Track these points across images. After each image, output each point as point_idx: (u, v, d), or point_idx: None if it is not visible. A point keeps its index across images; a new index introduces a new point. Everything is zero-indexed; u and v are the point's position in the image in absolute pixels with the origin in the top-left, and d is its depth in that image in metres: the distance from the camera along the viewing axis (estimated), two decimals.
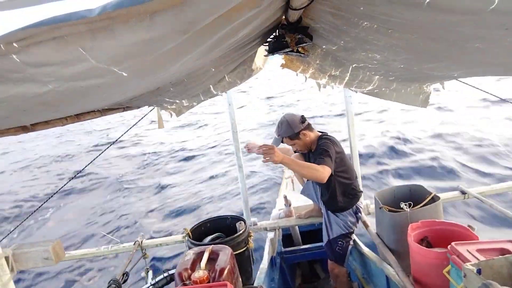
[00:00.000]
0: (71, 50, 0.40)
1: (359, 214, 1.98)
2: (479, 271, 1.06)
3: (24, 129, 0.75)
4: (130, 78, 0.61)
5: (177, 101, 1.49)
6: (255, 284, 1.77)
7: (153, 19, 0.42)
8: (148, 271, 1.99)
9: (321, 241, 2.49)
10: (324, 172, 1.61)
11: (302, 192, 2.26)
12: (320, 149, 1.77)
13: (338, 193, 1.90)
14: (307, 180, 2.17)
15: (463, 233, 1.52)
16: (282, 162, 1.57)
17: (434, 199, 1.79)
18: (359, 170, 2.43)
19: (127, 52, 0.49)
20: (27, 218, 2.03)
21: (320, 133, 1.93)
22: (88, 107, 0.89)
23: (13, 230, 1.95)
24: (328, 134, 1.94)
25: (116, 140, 2.11)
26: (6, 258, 1.17)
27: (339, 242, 1.94)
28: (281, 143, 1.92)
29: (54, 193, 1.94)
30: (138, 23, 0.41)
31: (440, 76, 1.39)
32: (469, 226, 1.56)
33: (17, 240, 4.84)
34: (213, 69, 1.18)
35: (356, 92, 2.00)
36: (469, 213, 3.70)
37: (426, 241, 1.58)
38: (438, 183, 4.35)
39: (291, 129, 1.85)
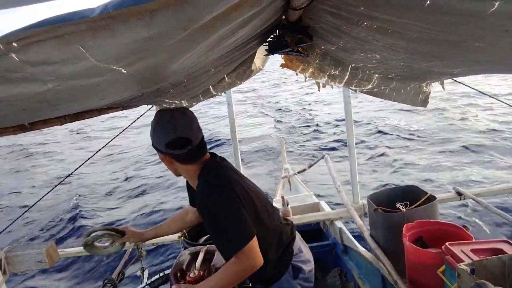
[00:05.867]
0: (71, 49, 0.39)
1: (301, 274, 1.21)
2: (472, 271, 1.07)
3: (23, 128, 0.74)
4: (129, 76, 0.61)
5: (177, 101, 1.49)
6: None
7: (153, 17, 0.42)
8: (144, 270, 1.99)
9: (318, 241, 2.50)
10: (247, 263, 0.99)
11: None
12: (209, 209, 1.02)
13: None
14: None
15: (457, 233, 1.54)
16: None
17: (430, 199, 1.81)
18: (357, 172, 2.44)
19: (127, 50, 0.49)
20: (16, 219, 2.01)
21: (205, 164, 1.11)
22: (88, 106, 0.89)
23: (3, 230, 1.94)
24: (217, 167, 1.12)
25: (114, 138, 2.10)
26: None
27: None
28: None
29: (47, 193, 1.93)
30: (138, 21, 0.41)
31: (440, 74, 1.40)
32: (464, 226, 1.58)
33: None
34: (213, 70, 1.18)
35: (356, 91, 2.00)
36: (464, 213, 3.75)
37: (421, 241, 1.59)
38: None
39: (156, 142, 1.09)
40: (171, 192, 5.79)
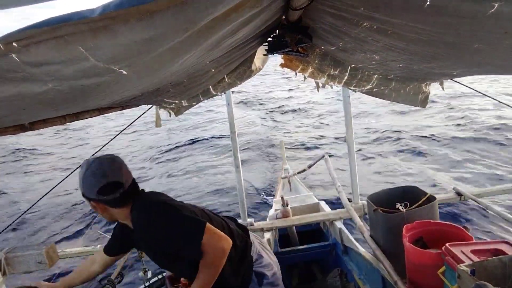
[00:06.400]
0: (72, 49, 0.39)
1: (265, 280, 1.24)
2: (473, 272, 1.07)
3: (23, 128, 0.74)
4: (130, 77, 0.61)
5: (177, 101, 1.49)
6: None
7: (153, 18, 0.42)
8: (146, 271, 1.98)
9: (319, 241, 2.50)
10: (216, 244, 1.03)
11: None
12: (152, 229, 1.05)
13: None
14: None
15: (458, 233, 1.53)
16: None
17: (430, 199, 1.81)
18: (356, 172, 2.44)
19: (127, 51, 0.49)
20: (17, 218, 2.00)
21: (134, 199, 1.12)
22: (88, 106, 0.88)
23: (3, 230, 1.93)
24: (146, 194, 1.16)
25: (114, 138, 2.10)
26: None
27: None
28: None
29: (48, 192, 1.93)
30: (138, 22, 0.41)
31: (439, 75, 1.40)
32: (464, 226, 1.58)
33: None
34: (213, 70, 1.18)
35: (355, 91, 2.00)
36: (464, 214, 3.75)
37: (421, 242, 1.59)
38: None
39: (87, 191, 1.09)
40: (177, 186, 5.80)
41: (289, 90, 15.55)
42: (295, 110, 11.57)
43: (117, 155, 1.14)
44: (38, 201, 1.98)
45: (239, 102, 13.64)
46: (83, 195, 1.10)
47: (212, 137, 8.90)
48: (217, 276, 1.05)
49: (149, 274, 1.94)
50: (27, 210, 2.00)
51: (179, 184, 6.21)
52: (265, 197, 5.14)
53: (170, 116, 1.86)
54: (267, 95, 15.40)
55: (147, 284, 1.74)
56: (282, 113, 11.52)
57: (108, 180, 1.05)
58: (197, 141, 8.81)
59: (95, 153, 2.10)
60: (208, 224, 1.04)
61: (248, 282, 1.21)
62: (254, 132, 8.94)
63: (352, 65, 1.59)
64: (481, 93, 2.18)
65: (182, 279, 1.28)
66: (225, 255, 1.04)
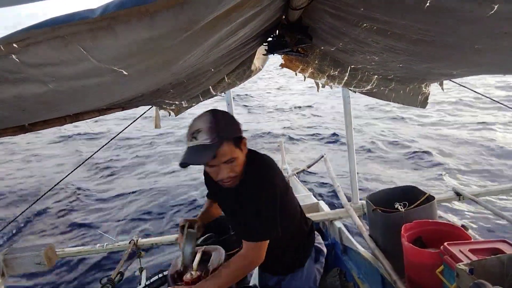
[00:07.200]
0: (72, 50, 0.39)
1: (321, 256, 1.33)
2: (471, 271, 1.08)
3: (22, 129, 0.74)
4: (130, 77, 0.61)
5: (177, 102, 1.49)
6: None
7: (153, 18, 0.42)
8: (142, 271, 1.98)
9: None
10: (255, 257, 1.04)
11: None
12: (254, 195, 1.03)
13: (281, 251, 1.22)
14: None
15: (456, 233, 1.54)
16: None
17: (429, 199, 1.82)
18: (356, 172, 2.44)
19: (127, 51, 0.49)
20: (13, 219, 2.00)
21: (250, 151, 1.10)
22: (88, 106, 0.88)
23: (2, 230, 1.93)
24: (260, 155, 1.13)
25: (112, 139, 2.10)
26: None
27: None
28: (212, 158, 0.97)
29: (47, 192, 1.92)
30: (138, 22, 0.41)
31: (439, 75, 1.41)
32: (462, 226, 1.59)
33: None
34: (213, 70, 1.18)
35: (355, 91, 2.01)
36: (463, 213, 3.77)
37: (419, 241, 1.60)
38: None
39: (236, 129, 1.02)
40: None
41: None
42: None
43: None
44: (37, 200, 1.97)
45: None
46: (234, 138, 0.99)
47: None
48: (232, 283, 1.07)
49: (144, 274, 1.94)
50: (26, 210, 1.99)
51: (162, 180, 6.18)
52: None
53: (169, 115, 1.86)
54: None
55: (147, 282, 1.74)
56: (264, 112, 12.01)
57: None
58: None
59: (93, 154, 2.09)
60: (267, 241, 1.06)
61: (307, 256, 1.28)
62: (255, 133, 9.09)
63: (352, 66, 1.59)
64: (480, 93, 2.18)
65: (184, 277, 1.29)
66: (249, 271, 1.09)
